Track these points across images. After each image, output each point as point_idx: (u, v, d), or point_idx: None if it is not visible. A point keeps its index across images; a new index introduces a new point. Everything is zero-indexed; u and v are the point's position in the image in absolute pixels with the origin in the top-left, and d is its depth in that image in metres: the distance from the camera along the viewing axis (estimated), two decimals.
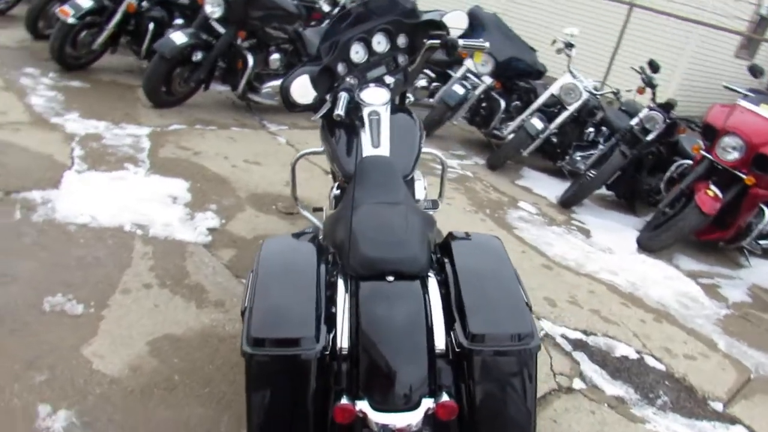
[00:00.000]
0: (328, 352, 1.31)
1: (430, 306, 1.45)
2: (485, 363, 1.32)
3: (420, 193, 2.38)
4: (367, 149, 1.98)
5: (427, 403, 1.28)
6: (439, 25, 2.38)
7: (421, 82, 6.37)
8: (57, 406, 1.86)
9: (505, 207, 4.59)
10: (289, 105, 2.05)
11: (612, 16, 9.73)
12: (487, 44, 2.37)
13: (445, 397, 1.28)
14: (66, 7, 4.42)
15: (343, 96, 1.96)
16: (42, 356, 2.03)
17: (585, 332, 3.01)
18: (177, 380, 2.07)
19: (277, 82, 4.79)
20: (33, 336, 2.11)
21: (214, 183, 3.66)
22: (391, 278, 1.44)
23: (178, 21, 5.08)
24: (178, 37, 4.38)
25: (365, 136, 2.02)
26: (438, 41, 2.31)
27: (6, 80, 4.39)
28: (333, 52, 2.11)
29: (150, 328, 2.29)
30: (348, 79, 2.12)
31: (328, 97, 2.13)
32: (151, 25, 4.86)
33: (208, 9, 4.44)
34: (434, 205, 2.72)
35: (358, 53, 2.19)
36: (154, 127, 4.25)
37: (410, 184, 2.30)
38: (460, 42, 2.25)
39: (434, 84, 6.33)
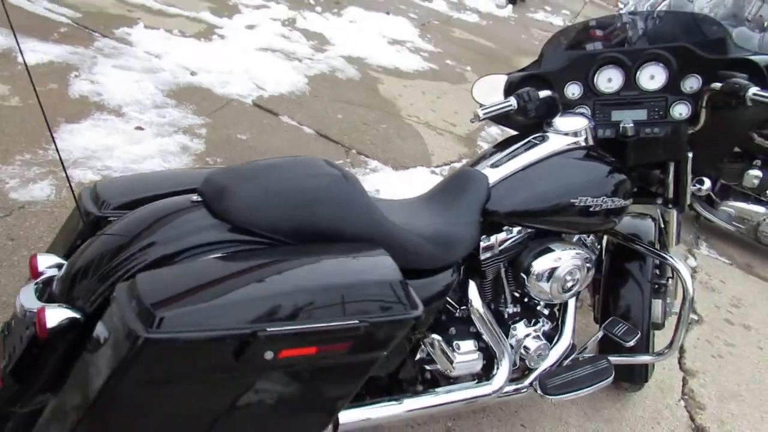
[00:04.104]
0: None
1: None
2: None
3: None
4: (483, 165, 1.49)
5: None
6: (754, 69, 1.45)
7: None
8: None
9: None
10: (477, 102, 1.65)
11: None
12: None
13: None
14: None
15: (509, 102, 1.48)
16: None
17: None
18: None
19: (750, 207, 3.40)
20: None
21: None
22: (195, 197, 1.03)
23: None
24: None
25: (499, 154, 1.52)
26: (719, 84, 1.44)
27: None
28: (566, 64, 1.58)
29: None
30: (579, 109, 1.58)
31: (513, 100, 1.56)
32: None
33: None
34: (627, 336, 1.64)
35: (610, 81, 1.58)
36: None
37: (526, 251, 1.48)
38: (752, 90, 1.37)
39: None
